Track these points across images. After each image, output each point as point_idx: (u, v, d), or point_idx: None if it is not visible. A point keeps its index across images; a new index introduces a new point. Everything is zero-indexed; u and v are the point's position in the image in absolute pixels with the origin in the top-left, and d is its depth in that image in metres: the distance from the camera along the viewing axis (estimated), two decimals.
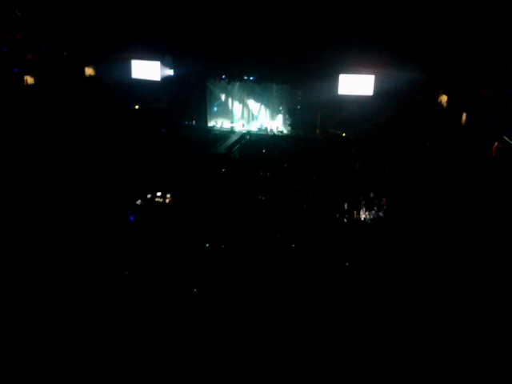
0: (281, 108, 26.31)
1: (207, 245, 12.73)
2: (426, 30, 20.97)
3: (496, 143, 17.25)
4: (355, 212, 15.16)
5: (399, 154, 20.27)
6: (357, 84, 23.78)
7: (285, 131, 26.17)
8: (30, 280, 10.42)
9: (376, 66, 23.03)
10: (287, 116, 26.19)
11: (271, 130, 26.04)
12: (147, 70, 25.82)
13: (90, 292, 10.06)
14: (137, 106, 26.50)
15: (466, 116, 20.50)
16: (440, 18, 20.52)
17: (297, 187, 17.30)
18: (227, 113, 27.09)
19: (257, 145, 23.45)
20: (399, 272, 11.10)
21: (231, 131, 25.90)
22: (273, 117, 26.54)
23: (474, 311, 9.26)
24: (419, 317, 9.28)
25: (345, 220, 14.77)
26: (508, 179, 15.04)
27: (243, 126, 26.51)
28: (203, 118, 26.86)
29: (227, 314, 9.48)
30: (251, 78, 25.76)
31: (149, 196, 15.90)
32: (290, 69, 24.71)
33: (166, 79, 26.00)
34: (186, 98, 26.28)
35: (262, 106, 26.52)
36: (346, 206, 15.39)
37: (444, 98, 23.17)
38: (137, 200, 15.64)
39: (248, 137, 25.14)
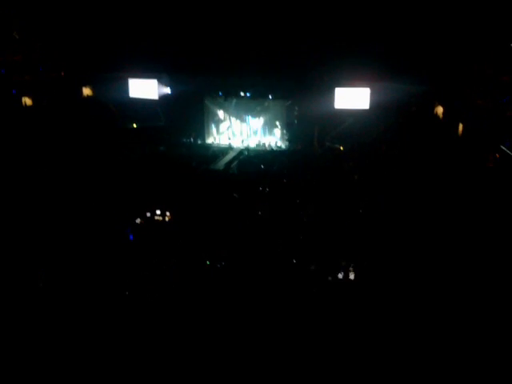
0: (278, 123, 26.44)
1: (208, 262, 12.68)
2: (420, 41, 21.22)
3: (493, 153, 17.32)
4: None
5: (397, 166, 20.29)
6: (353, 97, 24.01)
7: (283, 146, 26.27)
8: (31, 291, 10.44)
9: (371, 79, 23.24)
10: (284, 131, 26.31)
11: (269, 146, 26.15)
12: (145, 88, 26.08)
13: (90, 307, 10.05)
14: (135, 125, 26.62)
15: (463, 127, 20.59)
16: (434, 29, 20.79)
17: (296, 201, 17.28)
18: (225, 129, 27.21)
19: (255, 160, 23.48)
20: (399, 279, 11.07)
21: (229, 147, 26.00)
22: (270, 132, 26.65)
23: (473, 312, 9.26)
24: (421, 317, 9.27)
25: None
26: (506, 189, 15.05)
27: (242, 142, 26.60)
28: (201, 134, 26.99)
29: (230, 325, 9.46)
30: (247, 94, 25.97)
31: (148, 214, 15.88)
32: (285, 84, 24.93)
33: (163, 97, 26.24)
34: (184, 115, 26.44)
35: (260, 122, 26.64)
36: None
37: (440, 109, 23.30)
38: (136, 219, 15.61)
39: (246, 152, 25.23)
